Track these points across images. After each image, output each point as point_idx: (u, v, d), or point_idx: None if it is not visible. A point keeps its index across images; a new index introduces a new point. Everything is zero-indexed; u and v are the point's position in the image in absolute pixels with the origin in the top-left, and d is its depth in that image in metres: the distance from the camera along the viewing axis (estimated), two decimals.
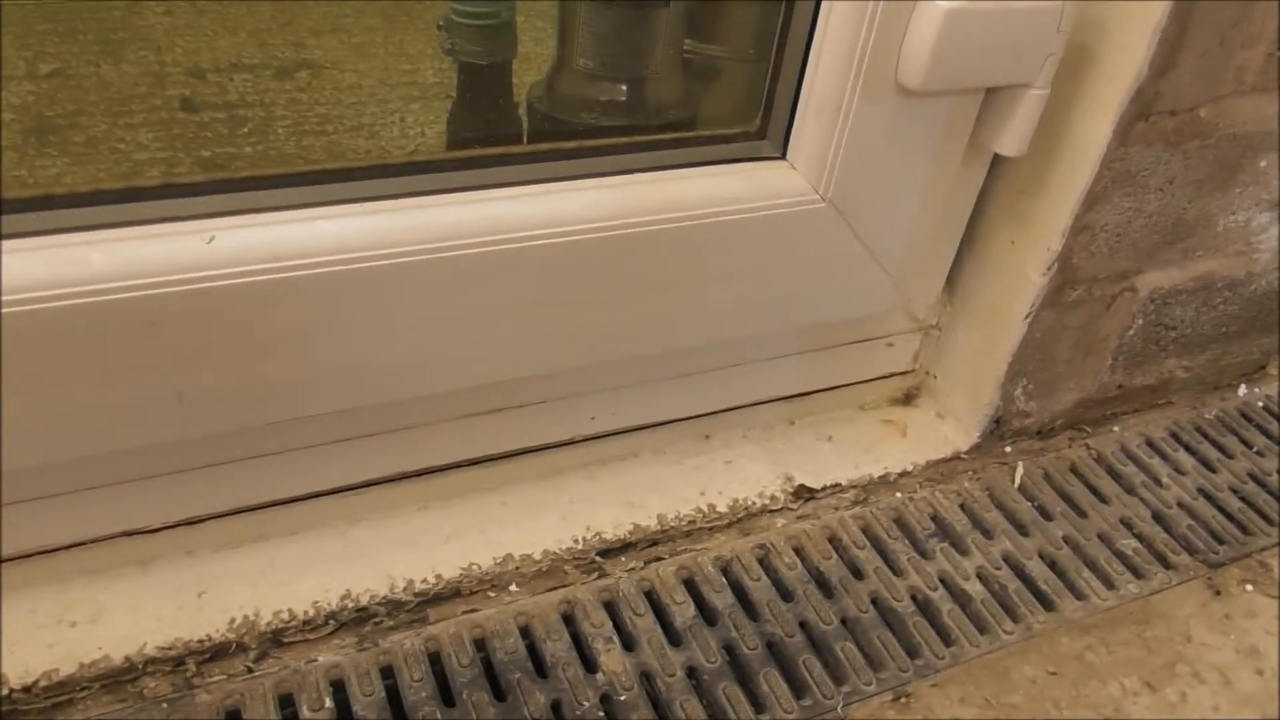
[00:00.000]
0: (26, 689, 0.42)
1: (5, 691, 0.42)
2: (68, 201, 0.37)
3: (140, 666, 0.44)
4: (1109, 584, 0.56)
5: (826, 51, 0.43)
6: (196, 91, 0.77)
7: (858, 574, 0.55)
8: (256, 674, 0.45)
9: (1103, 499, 0.61)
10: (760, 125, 0.48)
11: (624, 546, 0.53)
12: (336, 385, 0.44)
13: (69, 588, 0.46)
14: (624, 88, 0.58)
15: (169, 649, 0.44)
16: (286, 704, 0.45)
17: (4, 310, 0.34)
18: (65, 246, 0.36)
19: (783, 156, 0.48)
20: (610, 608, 0.51)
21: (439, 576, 0.49)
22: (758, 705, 0.48)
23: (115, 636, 0.44)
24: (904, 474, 0.61)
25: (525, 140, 0.62)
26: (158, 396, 0.40)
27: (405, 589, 0.49)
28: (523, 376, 0.50)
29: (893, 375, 0.64)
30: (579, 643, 0.50)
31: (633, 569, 0.53)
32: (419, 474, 0.52)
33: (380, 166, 0.42)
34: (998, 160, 0.53)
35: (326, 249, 0.39)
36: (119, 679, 0.44)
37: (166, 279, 0.37)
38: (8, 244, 0.35)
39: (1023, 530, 0.59)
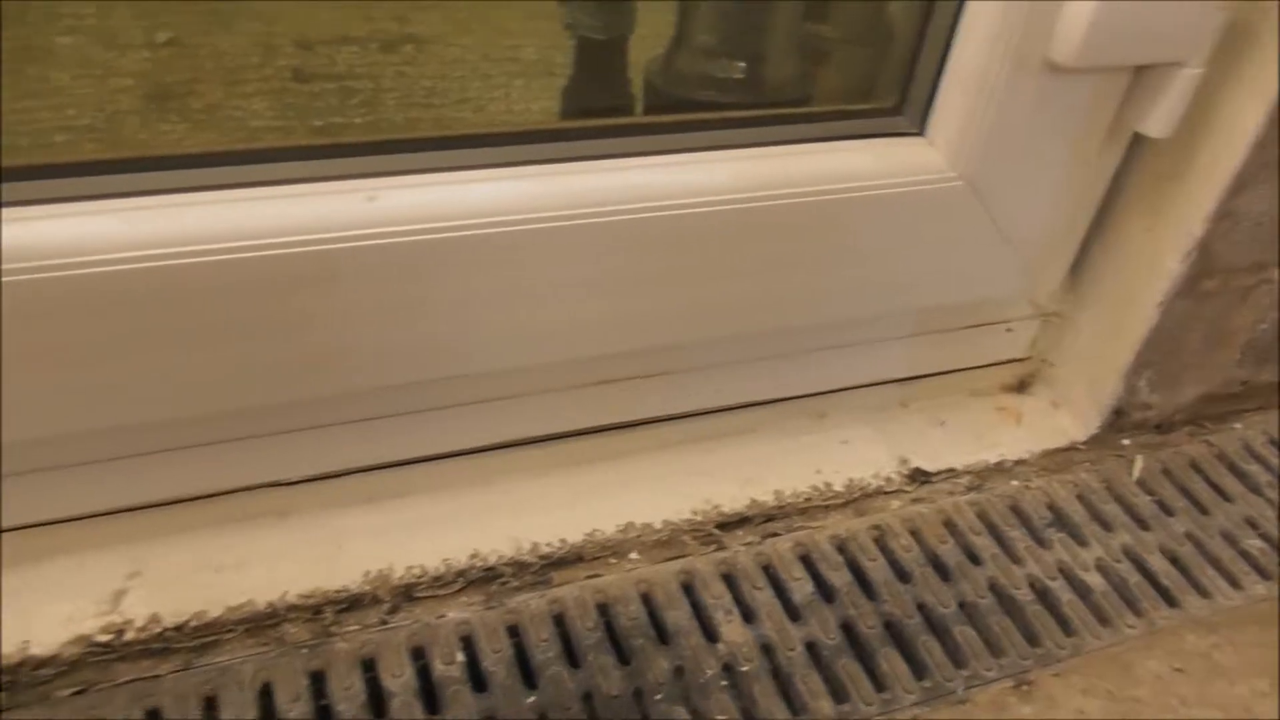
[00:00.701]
0: (178, 628, 0.44)
1: (159, 630, 0.44)
2: (237, 158, 0.38)
3: (282, 613, 0.45)
4: (1234, 583, 0.55)
5: (977, 27, 0.43)
6: (306, 62, 0.79)
7: (974, 559, 0.55)
8: (390, 626, 0.47)
9: (1226, 497, 0.60)
10: (898, 101, 0.48)
11: (741, 520, 0.54)
12: (477, 347, 0.45)
13: (214, 535, 0.47)
14: (743, 64, 0.58)
15: (309, 597, 0.46)
16: (418, 656, 0.46)
17: (187, 261, 0.36)
18: (237, 202, 0.37)
19: (920, 133, 0.48)
20: (729, 580, 0.52)
21: (563, 541, 0.50)
22: (878, 683, 0.48)
23: (258, 583, 0.46)
24: (1019, 462, 0.60)
25: (635, 115, 0.62)
26: (314, 353, 0.41)
27: (530, 551, 0.49)
28: (650, 347, 0.50)
29: (1008, 362, 0.64)
30: (699, 612, 0.50)
31: (750, 543, 0.53)
32: (544, 439, 0.53)
33: (524, 132, 0.43)
34: (1137, 141, 0.52)
35: (483, 211, 0.39)
36: (261, 624, 0.45)
37: (331, 236, 0.38)
38: (191, 196, 0.36)
39: (1143, 524, 0.58)
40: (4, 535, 0.45)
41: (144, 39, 0.80)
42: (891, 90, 0.48)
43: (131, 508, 0.46)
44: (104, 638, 0.43)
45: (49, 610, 0.43)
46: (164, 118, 0.75)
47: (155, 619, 0.44)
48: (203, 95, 0.76)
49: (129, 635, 0.43)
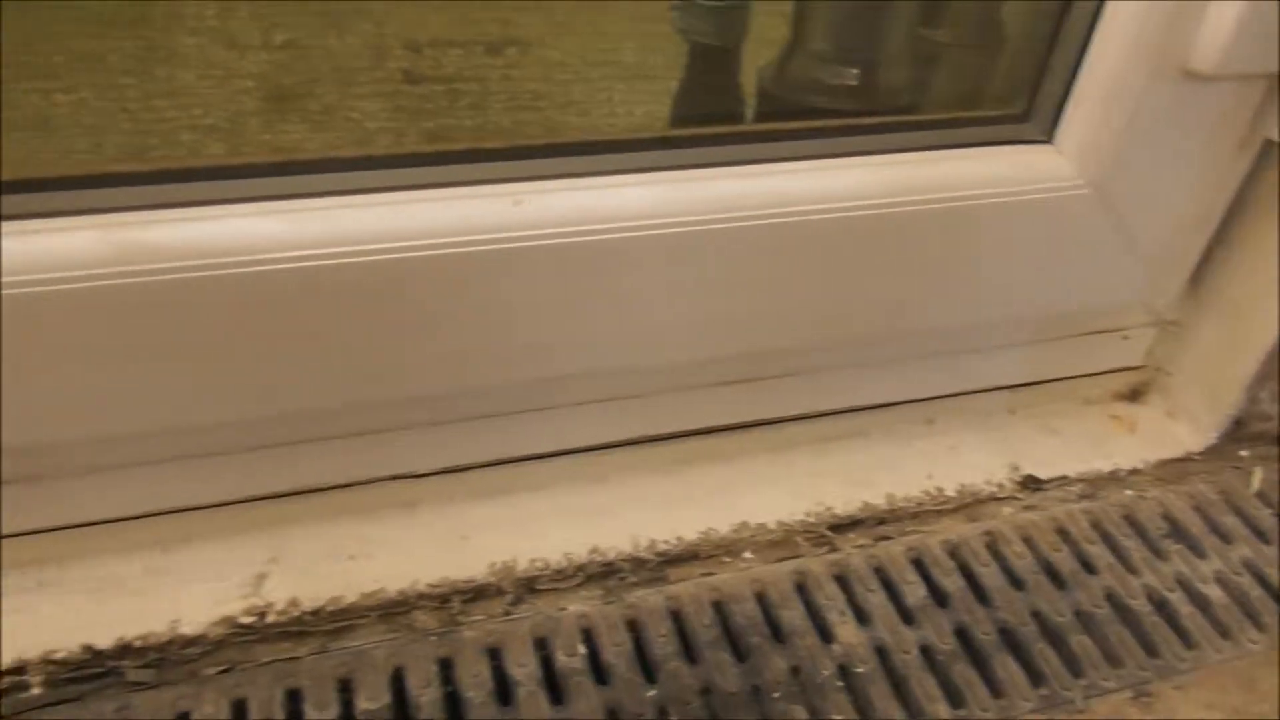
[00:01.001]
0: (315, 612, 0.46)
1: (297, 613, 0.46)
2: (387, 162, 0.40)
3: (412, 600, 0.47)
4: None
5: (1114, 34, 0.43)
6: (415, 65, 0.81)
7: (1089, 568, 0.54)
8: (514, 617, 0.48)
9: None
10: (1025, 108, 0.48)
11: (853, 523, 0.54)
12: (606, 346, 0.46)
13: (347, 524, 0.49)
14: (856, 71, 0.58)
15: (437, 586, 0.47)
16: (541, 647, 0.48)
17: (345, 261, 0.37)
18: (391, 205, 0.38)
19: (1048, 140, 0.48)
20: (842, 581, 0.52)
21: (679, 538, 0.51)
22: (994, 689, 0.48)
23: (389, 571, 0.47)
24: (1133, 471, 0.59)
25: (751, 121, 0.62)
26: (453, 350, 0.42)
27: (648, 548, 0.50)
28: (768, 349, 0.51)
29: (1122, 370, 0.63)
30: (813, 613, 0.50)
31: (862, 545, 0.53)
32: (661, 439, 0.54)
33: (658, 138, 0.44)
34: (1267, 150, 0.51)
35: (622, 215, 0.40)
36: (392, 611, 0.47)
37: (479, 238, 0.39)
38: (348, 199, 0.38)
39: (1263, 537, 0.57)
40: (156, 518, 0.47)
41: (262, 40, 0.82)
42: (1018, 97, 0.48)
43: (270, 496, 0.48)
44: (247, 619, 0.45)
45: (196, 591, 0.45)
46: (284, 118, 0.77)
47: (294, 603, 0.46)
48: (319, 97, 0.79)
49: (270, 618, 0.45)
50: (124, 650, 0.43)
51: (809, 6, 0.58)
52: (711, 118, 0.64)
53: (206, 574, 0.46)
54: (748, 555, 0.52)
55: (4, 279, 0.34)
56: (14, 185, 0.37)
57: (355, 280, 0.39)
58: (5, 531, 0.44)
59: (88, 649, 0.43)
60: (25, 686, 0.42)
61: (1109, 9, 0.43)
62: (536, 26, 0.88)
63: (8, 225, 0.36)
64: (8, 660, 0.42)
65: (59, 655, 0.43)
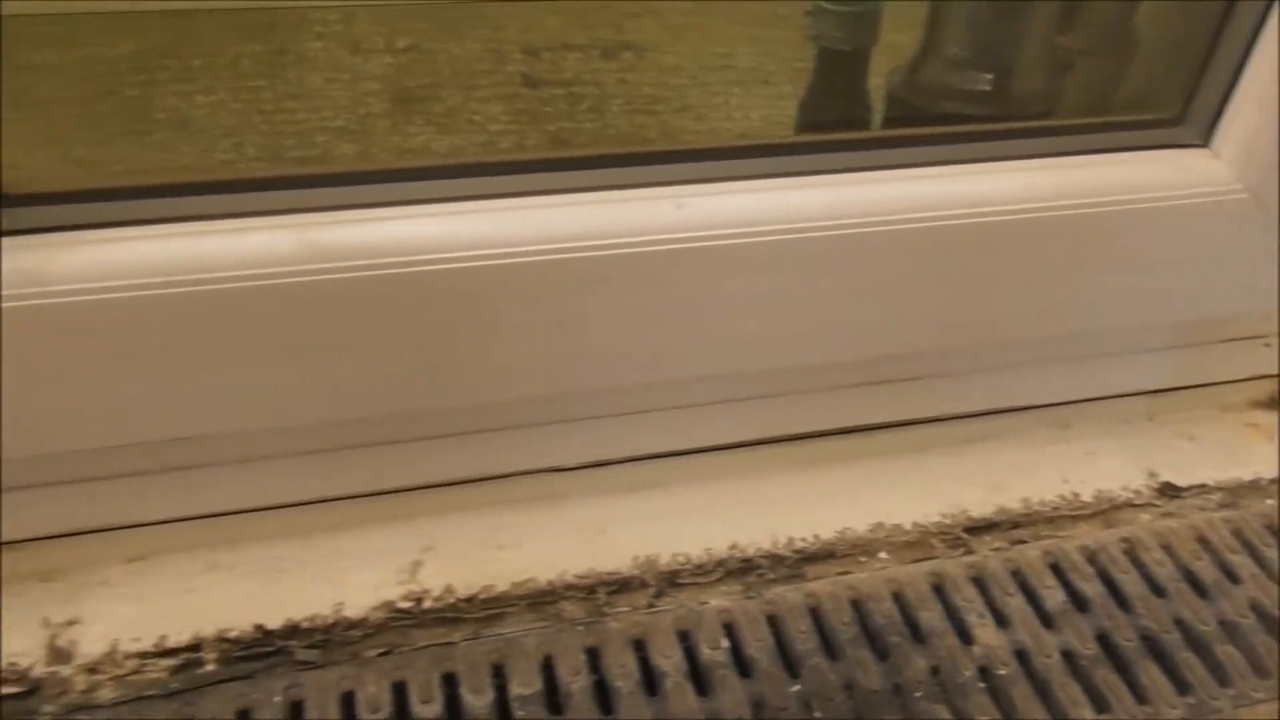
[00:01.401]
0: (469, 600, 0.47)
1: (452, 600, 0.47)
2: (551, 165, 0.41)
3: (559, 591, 0.48)
4: None
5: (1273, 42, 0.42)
6: (534, 69, 0.82)
7: (1232, 578, 0.53)
8: (657, 610, 0.49)
9: None
10: (1179, 111, 0.48)
11: (989, 526, 0.54)
12: (753, 346, 0.47)
13: (495, 514, 0.51)
14: (992, 76, 0.58)
15: (584, 578, 0.49)
16: (684, 640, 0.49)
17: (521, 260, 0.38)
18: (559, 207, 0.39)
19: (1204, 144, 0.47)
20: (979, 584, 0.52)
21: (816, 536, 0.52)
22: (1139, 695, 0.48)
23: (537, 561, 0.49)
24: (1274, 481, 0.58)
25: (880, 126, 0.63)
26: (611, 346, 0.44)
27: (786, 545, 0.51)
28: (908, 352, 0.51)
29: (1262, 377, 0.62)
30: (951, 614, 0.51)
31: (998, 548, 0.53)
32: (796, 438, 0.54)
33: (807, 143, 0.45)
34: None
35: (777, 218, 0.41)
36: (540, 600, 0.48)
37: (645, 239, 0.40)
38: (520, 201, 0.39)
39: None
40: (319, 505, 0.49)
41: (385, 45, 0.85)
42: (1172, 100, 0.48)
43: (425, 486, 0.50)
44: (405, 604, 0.47)
45: (357, 576, 0.47)
46: (409, 121, 0.79)
47: (449, 589, 0.47)
48: (442, 100, 0.81)
49: (427, 603, 0.47)
50: (292, 631, 0.45)
51: (944, 10, 0.58)
52: (841, 123, 0.65)
53: (366, 560, 0.48)
54: (883, 555, 0.53)
55: (205, 276, 0.36)
56: (202, 187, 0.40)
57: (520, 279, 0.41)
58: (183, 515, 0.47)
59: (259, 628, 0.45)
60: (200, 663, 0.45)
61: (1275, 11, 0.43)
62: (650, 31, 0.89)
63: (207, 225, 0.38)
64: (186, 637, 0.45)
65: (232, 634, 0.45)
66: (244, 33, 0.82)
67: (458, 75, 0.82)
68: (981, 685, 0.48)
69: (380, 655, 0.46)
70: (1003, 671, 0.48)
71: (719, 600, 0.50)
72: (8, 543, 0.46)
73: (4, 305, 0.35)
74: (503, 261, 0.40)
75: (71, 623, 0.45)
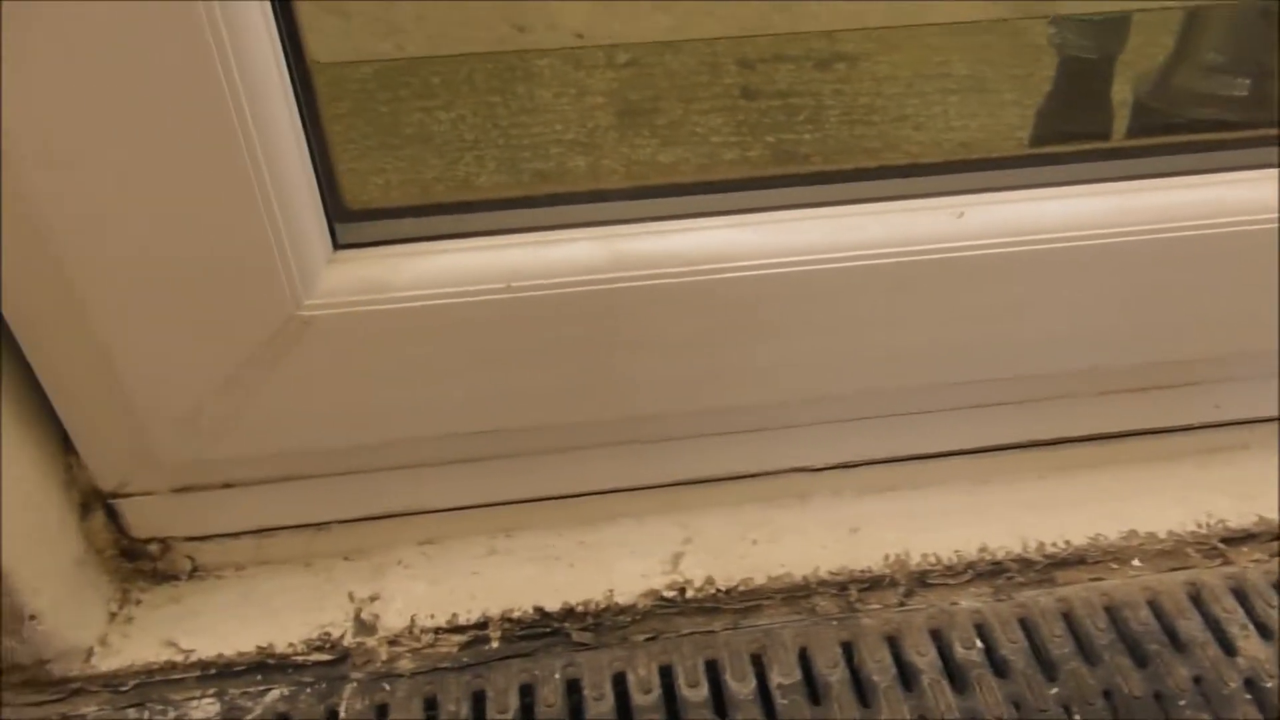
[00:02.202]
0: (728, 591, 0.50)
1: (712, 591, 0.50)
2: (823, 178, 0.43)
3: (813, 586, 0.50)
4: None
5: None
6: (750, 81, 0.84)
7: None
8: (908, 608, 0.50)
9: None
10: None
11: (1247, 537, 0.53)
12: (1005, 352, 0.48)
13: (748, 511, 0.53)
14: (1249, 81, 0.57)
15: (836, 574, 0.50)
16: (936, 638, 0.50)
17: (803, 269, 0.41)
18: (845, 216, 0.41)
19: None
20: (1239, 595, 0.51)
21: (1067, 542, 0.52)
22: None
23: (792, 557, 0.51)
24: None
25: (1125, 136, 0.62)
26: (876, 351, 0.45)
27: (1036, 550, 0.52)
28: (1153, 361, 0.51)
29: None
30: (1210, 625, 0.50)
31: (1258, 560, 0.52)
32: (1042, 444, 0.55)
33: (1088, 150, 0.45)
34: None
35: (1049, 227, 0.42)
36: (795, 594, 0.50)
37: (921, 248, 0.41)
38: (801, 212, 0.41)
39: None
40: (587, 498, 0.52)
41: (606, 60, 0.88)
42: None
43: (684, 482, 0.53)
44: (670, 594, 0.50)
45: (624, 565, 0.50)
46: (637, 133, 0.82)
47: (710, 580, 0.50)
48: (665, 112, 0.83)
49: (689, 593, 0.50)
50: (568, 614, 0.49)
51: (1200, 15, 0.57)
52: (1086, 133, 0.64)
53: (632, 550, 0.51)
54: (1136, 563, 0.52)
55: (522, 284, 0.40)
56: (498, 203, 0.43)
57: (799, 287, 0.43)
58: (467, 503, 0.51)
59: (539, 610, 0.49)
60: (486, 640, 0.49)
61: None
62: (863, 41, 0.90)
63: (518, 237, 0.41)
64: (475, 616, 0.49)
65: (515, 614, 0.49)
66: (472, 50, 0.87)
67: (678, 89, 0.84)
68: (1248, 697, 0.47)
69: (648, 640, 0.49)
70: (1269, 684, 0.47)
71: (969, 601, 0.51)
72: (317, 524, 0.51)
73: (350, 310, 0.40)
74: (787, 270, 0.42)
75: (374, 598, 0.50)
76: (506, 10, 0.63)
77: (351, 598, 0.50)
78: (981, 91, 0.79)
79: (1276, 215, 0.46)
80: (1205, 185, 0.45)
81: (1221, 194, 0.45)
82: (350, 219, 0.41)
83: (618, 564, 0.51)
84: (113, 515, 0.49)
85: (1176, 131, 0.59)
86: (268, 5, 0.35)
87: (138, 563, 0.50)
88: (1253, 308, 0.49)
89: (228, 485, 0.48)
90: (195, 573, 0.51)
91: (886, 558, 0.51)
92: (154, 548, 0.50)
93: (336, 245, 0.41)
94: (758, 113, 0.83)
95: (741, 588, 0.50)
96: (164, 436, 0.43)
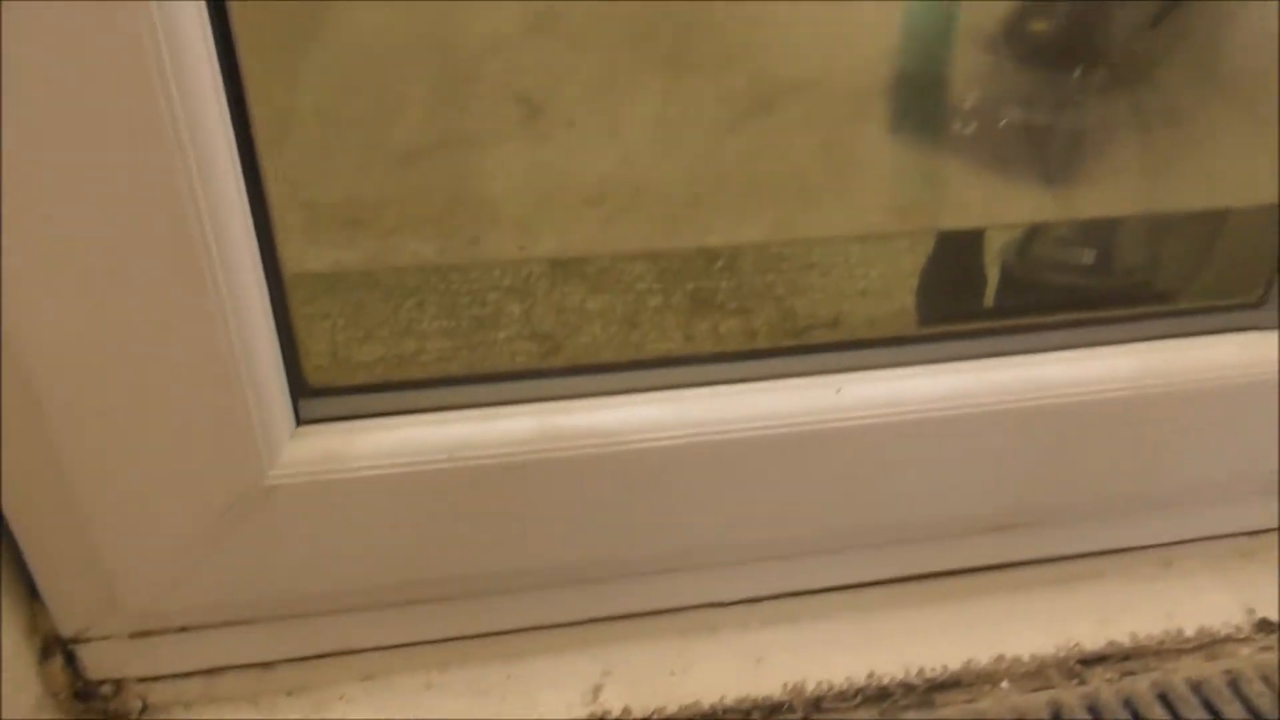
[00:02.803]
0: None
1: None
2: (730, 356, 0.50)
3: (719, 714, 0.56)
4: None
5: None
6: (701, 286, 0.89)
7: None
8: None
9: None
10: (1259, 296, 0.55)
11: (1100, 658, 0.60)
12: (886, 504, 0.55)
13: (664, 644, 0.59)
14: (1094, 252, 0.66)
15: (741, 701, 0.56)
16: None
17: (701, 439, 0.47)
18: (742, 394, 0.49)
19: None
20: (1093, 711, 0.58)
21: (944, 667, 0.59)
22: None
23: (701, 687, 0.57)
24: None
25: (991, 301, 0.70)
26: (770, 507, 0.52)
27: (917, 674, 0.58)
28: (1021, 505, 0.59)
29: None
30: None
31: (1110, 679, 0.60)
32: (922, 577, 0.62)
33: (943, 333, 0.53)
34: None
35: (923, 399, 0.50)
36: None
37: (802, 420, 0.49)
38: (710, 390, 0.48)
39: None
40: (514, 634, 0.57)
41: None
42: (1251, 287, 0.55)
43: (603, 618, 0.58)
44: None
45: (550, 698, 0.56)
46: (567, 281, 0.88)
47: (627, 710, 0.55)
48: (594, 262, 0.88)
49: None
50: None
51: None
52: (960, 303, 0.72)
53: (556, 683, 0.56)
54: (1005, 684, 0.59)
55: (450, 455, 0.46)
56: (444, 380, 0.50)
57: (704, 453, 0.50)
58: (405, 641, 0.56)
59: None
60: None
61: None
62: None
63: (460, 413, 0.47)
64: None
65: None
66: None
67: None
68: None
69: None
70: None
71: None
72: (264, 663, 0.55)
73: (309, 479, 0.45)
74: (692, 440, 0.49)
75: None
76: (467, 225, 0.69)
77: None
78: (882, 240, 0.88)
79: (1116, 385, 0.55)
80: (1050, 363, 0.53)
81: (1062, 370, 0.54)
82: (312, 395, 0.46)
83: (543, 696, 0.56)
84: (70, 659, 0.52)
85: (1041, 296, 0.68)
86: (249, 219, 0.41)
87: (90, 703, 0.54)
88: (1102, 461, 0.57)
89: (183, 629, 0.52)
90: (145, 711, 0.54)
91: (786, 685, 0.57)
92: (107, 689, 0.53)
93: (299, 421, 0.46)
94: (680, 260, 0.90)
95: (655, 716, 0.55)
96: (128, 587, 0.48)
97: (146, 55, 0.34)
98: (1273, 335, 0.55)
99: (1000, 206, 0.72)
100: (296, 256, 0.46)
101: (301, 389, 0.46)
